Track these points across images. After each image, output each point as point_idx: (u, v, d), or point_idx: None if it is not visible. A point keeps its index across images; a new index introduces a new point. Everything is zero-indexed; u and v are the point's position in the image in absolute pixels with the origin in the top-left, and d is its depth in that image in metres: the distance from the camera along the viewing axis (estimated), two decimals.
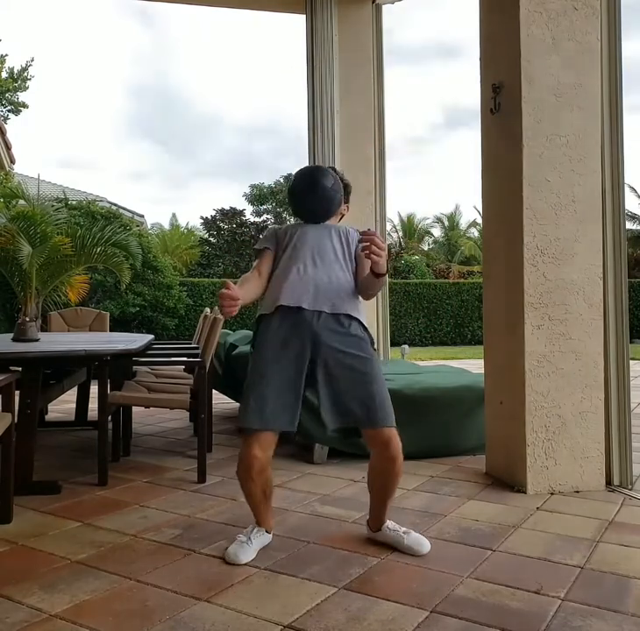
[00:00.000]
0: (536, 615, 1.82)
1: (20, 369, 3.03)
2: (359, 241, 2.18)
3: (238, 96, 62.34)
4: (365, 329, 2.36)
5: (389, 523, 2.38)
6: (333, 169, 2.57)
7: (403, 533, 2.33)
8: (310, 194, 2.41)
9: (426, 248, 26.12)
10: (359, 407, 2.24)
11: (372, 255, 2.12)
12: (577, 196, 3.07)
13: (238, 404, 5.26)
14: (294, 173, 2.53)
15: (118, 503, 2.86)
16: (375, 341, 2.56)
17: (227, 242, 21.07)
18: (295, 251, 2.37)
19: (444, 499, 2.93)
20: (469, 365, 7.90)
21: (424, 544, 2.29)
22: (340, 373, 2.26)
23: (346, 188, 2.57)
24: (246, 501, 2.37)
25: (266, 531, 2.35)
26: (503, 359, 3.21)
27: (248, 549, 2.23)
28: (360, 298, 2.39)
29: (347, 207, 2.60)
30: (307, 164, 5.42)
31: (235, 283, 2.17)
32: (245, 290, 2.24)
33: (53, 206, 9.10)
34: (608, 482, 3.13)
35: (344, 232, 2.45)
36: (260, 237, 2.58)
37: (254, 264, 2.47)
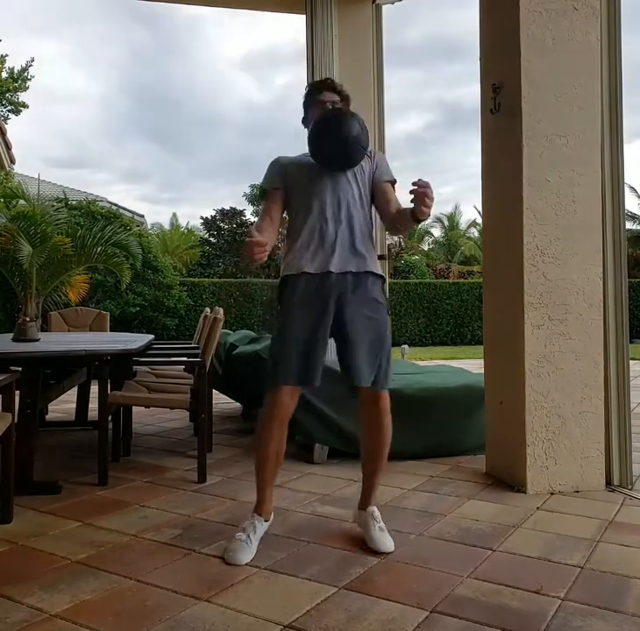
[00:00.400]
0: (536, 615, 1.82)
1: (20, 369, 3.03)
2: (411, 191, 2.09)
3: (238, 96, 62.35)
4: (384, 290, 2.46)
5: (374, 510, 2.43)
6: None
7: (379, 527, 2.36)
8: (336, 139, 2.32)
9: (426, 248, 26.13)
10: (369, 368, 2.33)
11: (422, 207, 2.10)
12: (577, 196, 3.07)
13: (238, 404, 5.30)
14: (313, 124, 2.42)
15: (118, 503, 2.86)
16: (390, 306, 2.64)
17: (227, 242, 21.09)
18: (311, 197, 2.37)
19: (444, 499, 2.93)
20: (469, 365, 7.90)
21: (388, 545, 2.31)
22: (359, 334, 2.33)
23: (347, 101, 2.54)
24: (256, 466, 2.38)
25: (265, 520, 2.36)
26: (503, 359, 3.21)
27: (248, 548, 2.23)
28: (374, 244, 2.46)
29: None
30: None
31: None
32: (266, 237, 2.26)
33: (53, 206, 9.10)
34: (608, 482, 3.13)
35: (359, 170, 2.43)
36: (266, 169, 2.51)
37: (262, 206, 2.48)
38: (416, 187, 2.07)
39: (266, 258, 2.14)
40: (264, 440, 2.34)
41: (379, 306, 2.39)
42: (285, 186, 2.44)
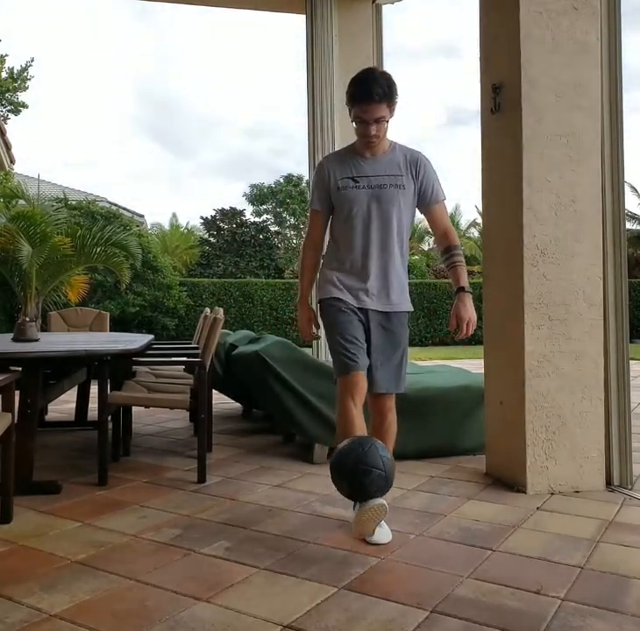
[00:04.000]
0: (536, 615, 1.82)
1: (20, 369, 3.03)
2: (455, 331, 2.49)
3: (238, 96, 62.37)
4: (407, 313, 2.64)
5: None
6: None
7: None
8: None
9: (426, 248, 26.12)
10: (389, 376, 2.56)
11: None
12: (577, 196, 3.07)
13: (238, 404, 5.30)
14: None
15: (118, 503, 2.86)
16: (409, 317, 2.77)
17: (227, 242, 21.08)
18: (350, 228, 2.51)
19: (444, 499, 2.93)
20: (469, 365, 7.89)
21: (383, 537, 2.36)
22: (383, 348, 2.55)
23: (394, 98, 2.45)
24: (340, 431, 2.42)
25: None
26: (503, 359, 3.21)
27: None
28: (406, 276, 2.64)
29: (392, 113, 2.48)
30: (307, 164, 5.43)
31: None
32: (308, 284, 2.64)
33: (53, 206, 9.10)
34: (608, 482, 3.13)
35: (404, 202, 2.50)
36: (313, 179, 2.70)
37: (308, 222, 2.65)
38: (462, 335, 2.43)
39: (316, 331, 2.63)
40: (346, 412, 2.40)
41: (401, 320, 2.60)
42: (327, 198, 2.56)
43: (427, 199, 2.55)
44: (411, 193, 2.51)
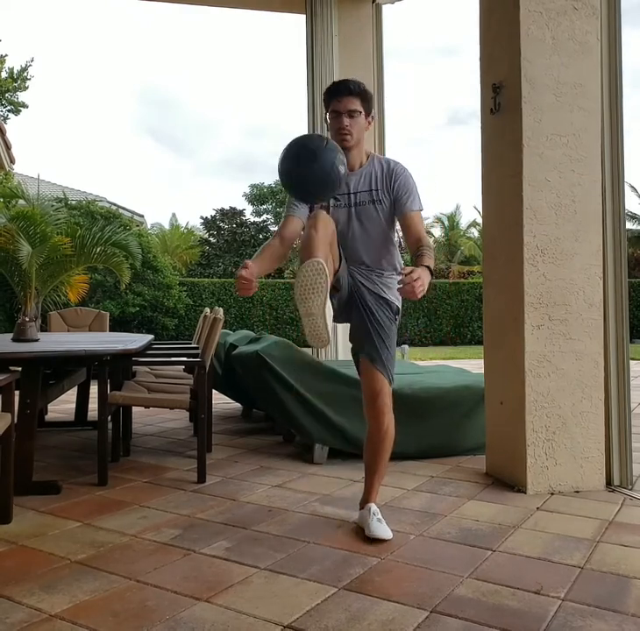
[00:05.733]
0: (536, 615, 1.82)
1: (20, 369, 3.03)
2: (399, 281, 2.13)
3: (238, 96, 62.37)
4: (397, 297, 2.53)
5: (372, 505, 2.48)
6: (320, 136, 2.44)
7: (377, 519, 2.42)
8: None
9: None
10: (368, 348, 2.49)
11: (412, 297, 2.14)
12: (577, 196, 3.07)
13: (238, 404, 5.30)
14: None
15: (118, 503, 2.86)
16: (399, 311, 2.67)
17: (227, 242, 21.08)
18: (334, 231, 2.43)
19: (444, 499, 2.93)
20: (469, 365, 7.89)
21: (383, 533, 2.38)
22: (367, 326, 2.50)
23: (368, 99, 2.47)
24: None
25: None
26: (503, 359, 3.21)
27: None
28: (396, 274, 2.53)
29: (371, 118, 2.52)
30: None
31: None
32: (263, 261, 2.35)
33: (52, 206, 9.10)
34: (608, 482, 3.13)
35: (383, 212, 2.48)
36: (262, 232, 2.66)
37: (281, 222, 2.54)
38: (401, 286, 2.09)
39: (251, 294, 2.21)
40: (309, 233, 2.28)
41: (387, 306, 2.53)
42: (306, 216, 2.47)
43: (401, 206, 2.45)
44: (389, 206, 2.48)
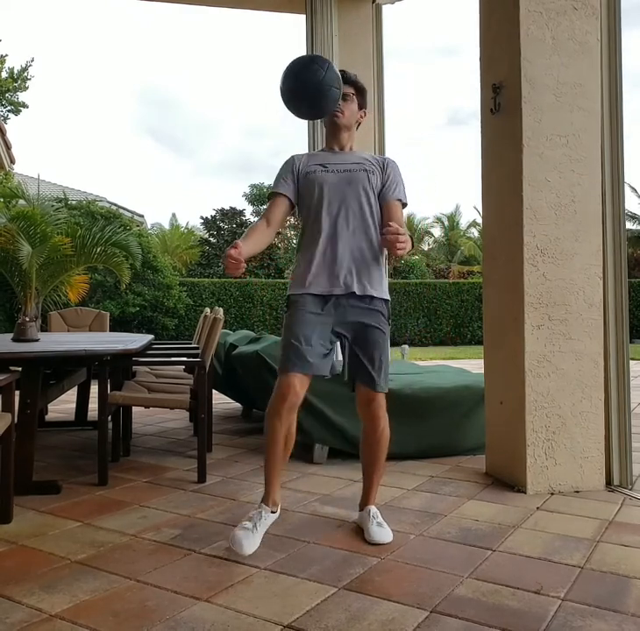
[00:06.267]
0: (536, 615, 1.82)
1: (20, 369, 3.03)
2: (382, 233, 2.16)
3: (238, 96, 62.35)
4: (387, 303, 2.47)
5: (372, 508, 2.47)
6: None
7: (377, 523, 2.40)
8: (299, 94, 2.38)
9: (426, 248, 26.14)
10: (364, 368, 2.40)
11: (395, 250, 2.15)
12: (577, 196, 3.07)
13: (238, 404, 5.30)
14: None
15: (118, 503, 2.86)
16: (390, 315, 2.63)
17: (227, 242, 21.08)
18: (320, 214, 2.40)
19: (444, 499, 2.93)
20: (469, 365, 7.90)
21: (384, 537, 2.35)
22: (360, 341, 2.41)
23: (362, 92, 2.51)
24: (266, 452, 2.36)
25: (272, 511, 2.37)
26: (503, 359, 3.21)
27: (252, 537, 2.24)
28: (383, 265, 2.48)
29: (365, 112, 2.54)
30: None
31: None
32: (251, 243, 2.33)
33: (53, 206, 9.10)
34: (608, 482, 3.13)
35: (372, 186, 2.43)
36: (278, 171, 2.54)
37: (267, 205, 2.50)
38: (385, 235, 2.11)
39: (240, 273, 2.20)
40: (272, 425, 2.33)
41: (378, 315, 2.42)
42: (293, 193, 2.46)
43: (389, 193, 2.45)
44: (378, 182, 2.46)
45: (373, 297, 2.41)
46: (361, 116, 2.54)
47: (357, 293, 2.38)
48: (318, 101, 2.33)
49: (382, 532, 2.38)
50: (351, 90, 2.48)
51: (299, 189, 2.47)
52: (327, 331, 2.38)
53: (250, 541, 2.23)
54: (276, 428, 2.31)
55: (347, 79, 2.46)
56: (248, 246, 2.29)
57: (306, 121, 5.51)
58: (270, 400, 2.34)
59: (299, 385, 2.31)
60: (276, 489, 2.39)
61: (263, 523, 2.31)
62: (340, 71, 2.43)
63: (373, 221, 2.43)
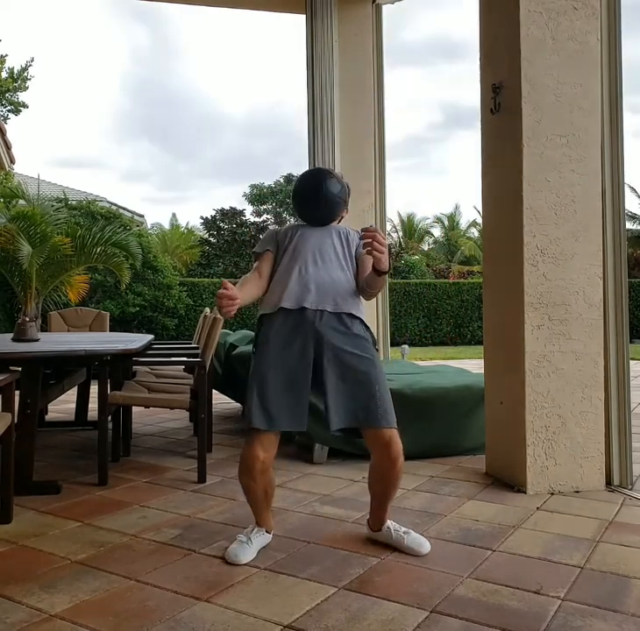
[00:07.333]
0: (536, 615, 1.82)
1: (20, 369, 3.03)
2: (361, 238, 2.16)
3: (238, 96, 62.39)
4: (366, 328, 2.36)
5: (390, 523, 2.38)
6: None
7: (403, 533, 2.33)
8: (315, 201, 2.42)
9: (426, 248, 26.13)
10: (360, 407, 2.25)
11: (374, 251, 2.10)
12: (577, 196, 3.07)
13: (238, 404, 5.30)
14: (297, 175, 2.53)
15: (118, 503, 2.86)
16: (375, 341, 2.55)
17: (227, 242, 21.06)
18: (296, 252, 2.38)
19: (444, 499, 2.93)
20: (469, 365, 7.90)
21: (424, 545, 2.29)
22: (343, 373, 2.26)
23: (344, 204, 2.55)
24: (247, 500, 2.37)
25: (267, 531, 2.35)
26: (503, 359, 3.21)
27: (248, 549, 2.23)
28: (361, 298, 2.39)
29: (346, 210, 2.59)
30: (307, 164, 5.41)
31: (234, 284, 2.17)
32: (244, 291, 2.24)
33: (53, 206, 9.10)
34: (608, 482, 3.13)
35: (344, 233, 2.46)
36: (260, 238, 2.58)
37: (254, 265, 2.46)
38: (365, 233, 2.09)
39: (234, 312, 2.07)
40: (248, 488, 2.31)
41: (362, 341, 2.30)
42: (276, 247, 2.45)
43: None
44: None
45: (345, 314, 2.30)
46: (342, 214, 2.58)
47: (329, 310, 2.28)
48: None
49: (419, 543, 2.28)
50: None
51: (279, 244, 2.47)
52: None
53: (246, 552, 2.22)
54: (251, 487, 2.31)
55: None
56: (242, 293, 2.21)
57: (306, 122, 5.51)
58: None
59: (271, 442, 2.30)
60: (267, 518, 2.38)
61: (257, 538, 2.30)
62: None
63: (346, 266, 2.40)
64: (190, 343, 4.97)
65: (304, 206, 2.47)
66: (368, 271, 2.30)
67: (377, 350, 2.38)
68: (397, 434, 2.29)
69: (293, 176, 22.70)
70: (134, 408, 4.09)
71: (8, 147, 10.46)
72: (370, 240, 2.09)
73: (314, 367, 2.26)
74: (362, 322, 2.35)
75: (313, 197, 2.42)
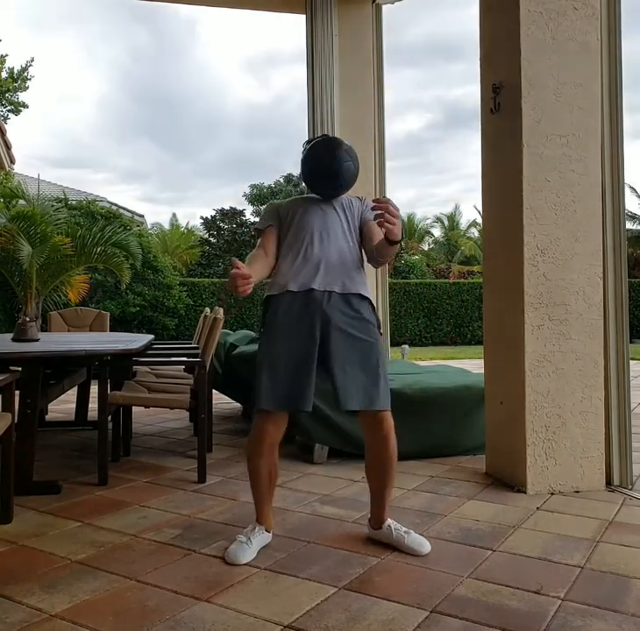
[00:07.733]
0: (536, 615, 1.82)
1: (20, 369, 3.03)
2: (373, 208, 2.11)
3: (238, 96, 62.38)
4: (373, 309, 2.39)
5: (390, 522, 2.38)
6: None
7: (404, 532, 2.33)
8: (335, 176, 2.39)
9: (426, 248, 26.14)
10: (367, 389, 2.27)
11: (386, 223, 2.08)
12: (577, 196, 3.07)
13: (238, 404, 5.30)
14: (307, 146, 2.46)
15: (118, 503, 2.86)
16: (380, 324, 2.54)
17: (227, 242, 21.07)
18: (300, 228, 2.38)
19: (444, 499, 2.93)
20: (469, 365, 7.90)
21: (425, 544, 2.29)
22: (348, 357, 2.27)
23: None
24: (251, 486, 2.37)
25: (266, 530, 2.35)
26: (503, 359, 3.21)
27: (248, 549, 2.23)
28: (365, 273, 2.41)
29: None
30: None
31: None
32: (255, 270, 2.22)
33: (53, 206, 9.11)
34: (608, 482, 3.13)
35: (347, 204, 2.45)
36: (261, 214, 2.54)
37: (258, 242, 2.46)
38: (376, 204, 2.07)
39: (250, 291, 2.07)
40: (255, 465, 2.33)
41: (368, 325, 2.32)
42: (278, 222, 2.44)
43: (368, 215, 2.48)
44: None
45: (354, 295, 2.32)
46: None
47: (338, 291, 2.30)
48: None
49: (418, 543, 2.29)
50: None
51: (281, 218, 2.47)
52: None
53: (245, 552, 2.22)
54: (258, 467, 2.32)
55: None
56: (251, 269, 2.18)
57: (307, 122, 5.51)
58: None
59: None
60: (269, 514, 2.39)
61: (257, 538, 2.30)
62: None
63: (351, 238, 2.41)
64: (190, 343, 4.97)
65: (321, 179, 2.42)
66: (378, 237, 2.29)
67: (381, 334, 2.41)
68: (390, 415, 2.32)
69: (293, 176, 22.70)
70: (134, 408, 4.09)
71: (8, 147, 10.46)
72: (382, 212, 2.07)
73: (320, 350, 2.27)
74: (370, 302, 2.37)
75: (332, 174, 2.38)
